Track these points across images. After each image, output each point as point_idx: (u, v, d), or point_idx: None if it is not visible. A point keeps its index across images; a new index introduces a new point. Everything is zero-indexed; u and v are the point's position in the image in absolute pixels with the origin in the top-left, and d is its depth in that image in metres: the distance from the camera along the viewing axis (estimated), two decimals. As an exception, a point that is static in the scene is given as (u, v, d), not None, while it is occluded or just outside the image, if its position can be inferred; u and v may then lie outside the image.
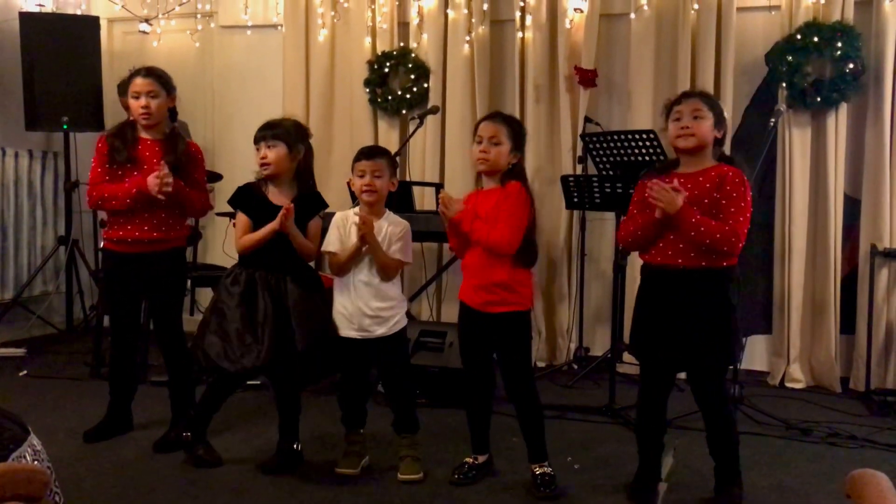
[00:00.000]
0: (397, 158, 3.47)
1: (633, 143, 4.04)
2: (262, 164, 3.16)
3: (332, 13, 5.48)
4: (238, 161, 5.11)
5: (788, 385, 4.62)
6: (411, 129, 4.85)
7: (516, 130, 3.01)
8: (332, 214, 3.27)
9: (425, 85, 5.27)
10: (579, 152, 4.87)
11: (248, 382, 4.08)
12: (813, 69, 4.52)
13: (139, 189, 3.28)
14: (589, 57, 4.96)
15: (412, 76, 5.28)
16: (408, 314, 4.90)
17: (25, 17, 5.27)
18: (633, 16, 4.89)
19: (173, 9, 5.77)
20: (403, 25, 5.42)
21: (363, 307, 3.09)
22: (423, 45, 5.32)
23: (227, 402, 3.31)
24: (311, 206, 3.22)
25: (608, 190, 4.20)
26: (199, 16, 5.79)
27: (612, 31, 5.10)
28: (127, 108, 3.43)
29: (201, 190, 3.50)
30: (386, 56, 5.35)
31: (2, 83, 5.38)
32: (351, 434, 3.24)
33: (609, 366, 4.14)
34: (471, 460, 3.15)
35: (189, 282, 4.42)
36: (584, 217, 4.96)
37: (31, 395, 4.16)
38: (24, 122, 5.26)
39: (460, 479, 3.09)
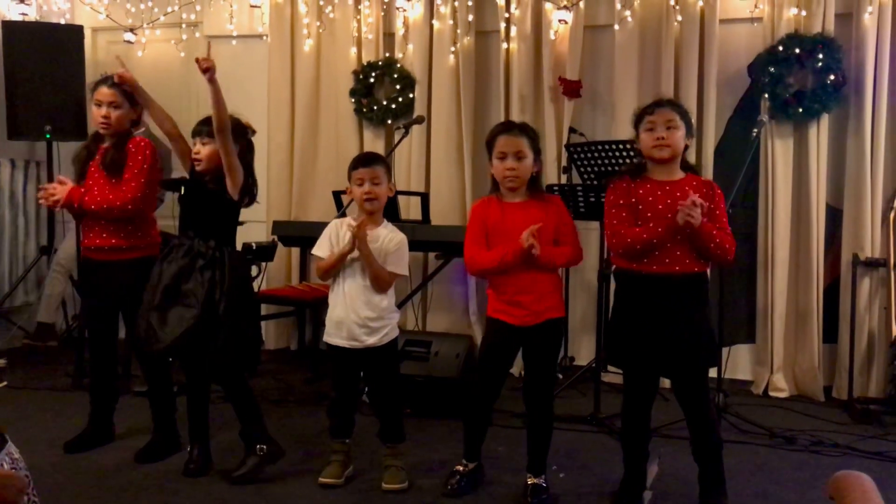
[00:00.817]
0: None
1: (618, 153, 4.05)
2: (194, 160, 3.20)
3: (318, 23, 5.48)
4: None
5: (772, 394, 4.64)
6: (396, 138, 4.85)
7: (534, 138, 3.02)
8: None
9: (411, 95, 5.28)
10: (564, 162, 4.90)
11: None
12: (795, 80, 4.56)
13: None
14: (573, 68, 4.98)
15: (397, 86, 5.29)
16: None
17: (8, 26, 5.24)
18: (616, 27, 4.93)
19: (158, 18, 5.76)
20: (389, 36, 5.43)
21: (353, 316, 3.08)
22: (409, 55, 5.33)
23: (217, 410, 3.32)
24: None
25: (592, 199, 4.21)
26: (184, 25, 5.78)
27: (596, 43, 5.13)
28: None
29: (127, 186, 3.32)
30: (371, 66, 5.35)
31: (-16, 92, 5.35)
32: (336, 443, 3.22)
33: (594, 375, 4.15)
34: (461, 468, 3.14)
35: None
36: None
37: (11, 406, 4.11)
38: (7, 131, 5.22)
39: (452, 488, 3.07)
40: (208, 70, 3.01)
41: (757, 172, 4.69)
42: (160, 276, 3.14)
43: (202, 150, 3.17)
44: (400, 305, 5.04)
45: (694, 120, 3.16)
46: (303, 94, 5.52)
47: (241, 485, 3.12)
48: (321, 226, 3.32)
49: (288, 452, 3.37)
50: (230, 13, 5.62)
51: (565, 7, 4.94)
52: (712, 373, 4.02)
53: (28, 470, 1.84)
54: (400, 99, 5.28)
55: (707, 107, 4.70)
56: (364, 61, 5.39)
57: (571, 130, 4.94)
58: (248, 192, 3.25)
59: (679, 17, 4.77)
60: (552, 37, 5.03)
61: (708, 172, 4.62)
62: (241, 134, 3.25)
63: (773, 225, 4.65)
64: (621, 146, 4.02)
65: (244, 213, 3.38)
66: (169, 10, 5.72)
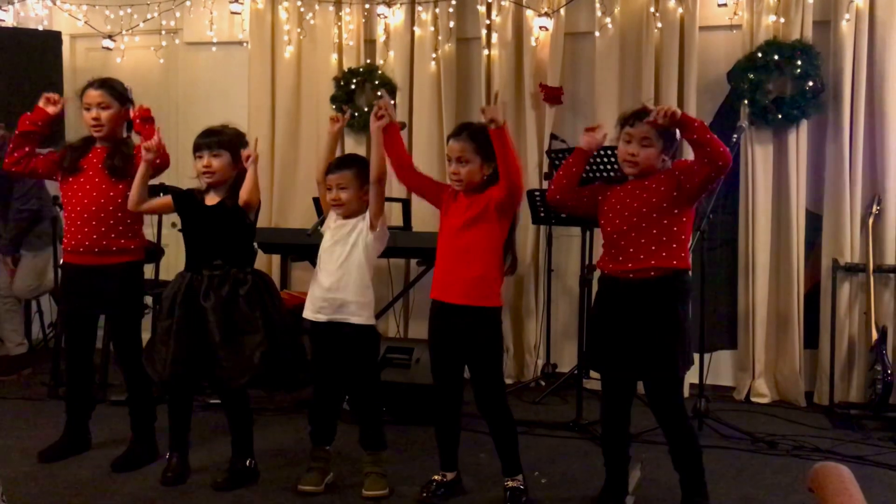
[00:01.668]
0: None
1: (599, 160, 4.04)
2: (205, 173, 3.14)
3: (298, 30, 5.47)
4: (202, 177, 5.04)
5: (754, 399, 4.65)
6: (378, 145, 4.84)
7: (482, 142, 2.95)
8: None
9: (392, 102, 5.26)
10: (545, 168, 4.90)
11: (210, 402, 4.03)
12: (774, 87, 4.59)
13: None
14: (554, 74, 4.99)
15: (378, 93, 5.27)
16: (376, 331, 4.90)
17: (-15, 32, 5.20)
18: (597, 34, 4.94)
19: (137, 25, 5.71)
20: (370, 42, 5.42)
21: (327, 285, 3.06)
22: (390, 62, 5.32)
23: (193, 420, 3.29)
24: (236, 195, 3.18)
25: (574, 205, 4.22)
26: (163, 32, 5.74)
27: (577, 49, 5.15)
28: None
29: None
30: (352, 73, 5.34)
31: (-40, 98, 5.28)
32: (316, 450, 3.18)
33: (576, 381, 4.14)
34: (439, 477, 3.11)
35: (152, 299, 4.35)
36: (550, 232, 4.98)
37: (-15, 416, 4.05)
38: (-17, 137, 5.16)
39: (428, 496, 3.04)
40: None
41: (737, 178, 4.71)
42: (206, 315, 3.06)
43: (213, 162, 3.12)
44: (381, 313, 5.03)
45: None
46: (283, 101, 5.50)
47: (221, 491, 3.08)
48: (301, 233, 3.30)
49: (268, 460, 3.35)
50: (210, 20, 5.59)
51: (546, 14, 4.96)
52: (694, 378, 4.06)
53: (-2, 478, 1.81)
54: (381, 105, 5.26)
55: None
56: (345, 68, 5.38)
57: (553, 137, 4.95)
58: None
59: (659, 25, 4.79)
60: (533, 43, 5.04)
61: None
62: (245, 145, 3.22)
63: (753, 231, 4.67)
64: (602, 152, 4.02)
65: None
66: (148, 16, 5.69)
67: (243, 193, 3.08)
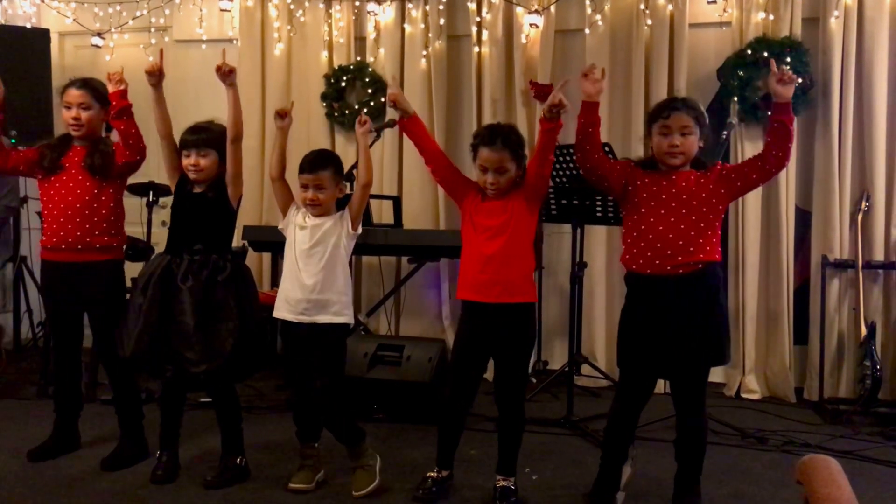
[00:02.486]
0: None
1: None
2: (193, 171, 3.14)
3: (289, 27, 5.46)
4: (192, 175, 5.02)
5: (744, 396, 4.66)
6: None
7: (515, 148, 2.96)
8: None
9: (382, 99, 5.26)
10: (536, 166, 4.90)
11: (201, 400, 4.02)
12: (763, 84, 4.60)
13: None
14: (545, 72, 5.00)
15: (369, 90, 5.27)
16: (365, 329, 4.89)
17: (-27, 29, 5.17)
18: (587, 31, 4.95)
19: (126, 22, 5.69)
20: (360, 40, 5.42)
21: (298, 286, 3.03)
22: (380, 59, 5.32)
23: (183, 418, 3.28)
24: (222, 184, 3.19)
25: (565, 202, 4.22)
26: (153, 30, 5.72)
27: (567, 47, 5.15)
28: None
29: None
30: (343, 70, 5.33)
31: (-53, 96, 5.24)
32: (305, 448, 3.17)
33: (567, 378, 4.14)
34: (434, 475, 3.10)
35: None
36: (540, 230, 4.97)
37: (-26, 416, 4.03)
38: (-30, 136, 5.14)
39: (424, 493, 3.03)
40: (231, 73, 3.09)
41: (727, 175, 4.72)
42: (182, 296, 3.04)
43: (201, 161, 3.12)
44: (372, 311, 5.03)
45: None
46: (273, 99, 5.49)
47: (212, 489, 3.07)
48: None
49: (258, 458, 3.34)
50: (199, 17, 5.58)
51: (536, 11, 4.96)
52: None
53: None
54: (371, 103, 5.26)
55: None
56: (335, 65, 5.37)
57: (543, 134, 4.94)
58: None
59: (649, 22, 4.80)
60: (523, 41, 5.04)
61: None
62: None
63: (743, 227, 4.68)
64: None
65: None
66: (137, 14, 5.67)
67: (232, 123, 3.15)
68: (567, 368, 4.28)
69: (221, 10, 5.48)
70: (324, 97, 5.37)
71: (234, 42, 5.57)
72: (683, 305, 2.76)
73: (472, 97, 5.16)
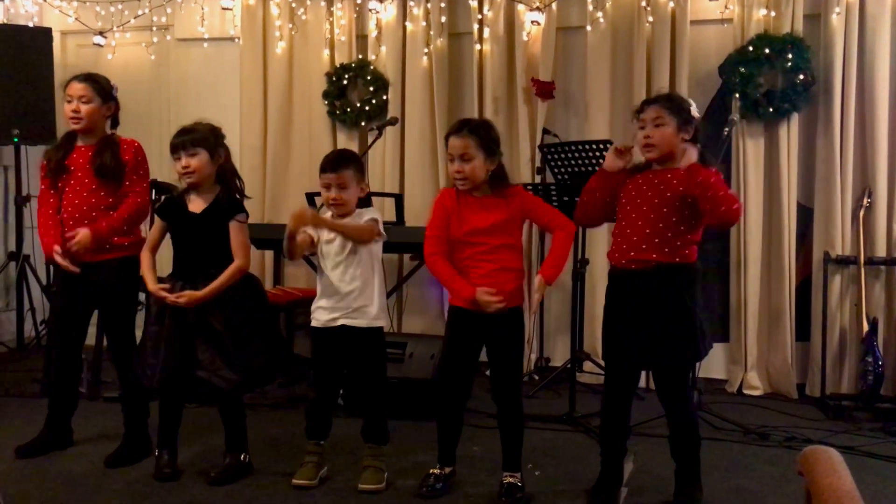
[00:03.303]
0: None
1: (591, 154, 4.06)
2: (184, 174, 3.12)
3: (290, 25, 5.46)
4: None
5: (746, 392, 4.67)
6: (370, 140, 4.85)
7: (484, 138, 2.94)
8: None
9: (384, 97, 5.27)
10: (538, 163, 4.91)
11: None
12: (765, 80, 4.60)
13: (47, 255, 3.30)
14: (546, 69, 5.00)
15: (371, 88, 5.27)
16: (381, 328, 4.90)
17: (-25, 29, 5.18)
18: (589, 29, 4.95)
19: (128, 21, 5.70)
20: (362, 38, 5.42)
21: (341, 288, 3.07)
22: (382, 57, 5.32)
23: (186, 416, 3.29)
24: (227, 211, 3.17)
25: (566, 199, 4.22)
26: (154, 28, 5.72)
27: (569, 44, 5.15)
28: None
29: (135, 194, 3.36)
30: (344, 68, 5.34)
31: (-50, 95, 5.26)
32: (311, 444, 3.18)
33: (569, 375, 4.15)
34: (437, 471, 3.11)
35: (145, 296, 4.33)
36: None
37: (-23, 413, 4.04)
38: (-26, 135, 5.15)
39: (427, 490, 3.04)
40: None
41: (729, 172, 4.73)
42: (206, 325, 3.07)
43: (192, 162, 3.09)
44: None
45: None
46: (275, 97, 5.49)
47: (216, 486, 3.08)
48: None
49: (261, 454, 3.35)
50: (201, 16, 5.58)
51: (538, 8, 4.96)
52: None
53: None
54: (373, 101, 5.26)
55: (691, 104, 4.72)
56: (337, 63, 5.38)
57: (545, 131, 4.95)
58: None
59: (650, 19, 4.80)
60: (525, 38, 5.04)
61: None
62: (221, 139, 3.21)
63: (745, 224, 4.68)
64: (594, 146, 4.04)
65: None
66: (139, 13, 5.67)
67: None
68: (569, 365, 4.29)
69: (223, 9, 5.49)
70: (325, 95, 5.37)
71: (236, 41, 5.58)
72: (640, 301, 2.82)
73: (474, 95, 5.16)
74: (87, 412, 3.59)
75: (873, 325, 4.32)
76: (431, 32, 5.20)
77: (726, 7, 4.73)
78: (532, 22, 4.99)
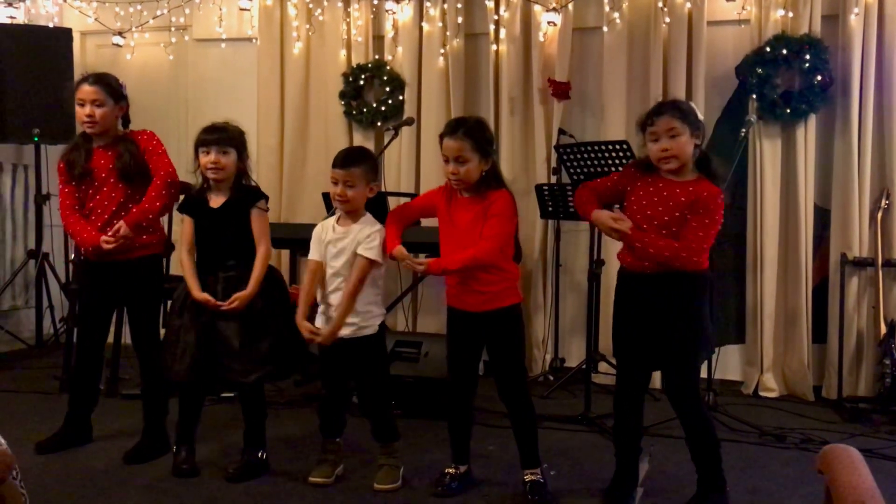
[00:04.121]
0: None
1: (607, 154, 4.06)
2: (213, 169, 3.15)
3: (307, 26, 5.49)
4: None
5: (762, 394, 4.65)
6: (386, 140, 4.86)
7: (478, 139, 2.93)
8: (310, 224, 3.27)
9: (400, 97, 5.29)
10: (553, 163, 4.91)
11: (223, 395, 4.06)
12: (782, 81, 4.59)
13: (93, 245, 3.29)
14: (562, 69, 5.00)
15: (387, 88, 5.29)
16: (383, 325, 4.91)
17: (-4, 29, 5.23)
18: (605, 29, 4.95)
19: (147, 22, 5.75)
20: (378, 38, 5.44)
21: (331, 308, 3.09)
22: (398, 57, 5.34)
23: (205, 413, 3.32)
24: (248, 199, 3.21)
25: (582, 199, 4.22)
26: (173, 29, 5.77)
27: (585, 45, 5.15)
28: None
29: (161, 167, 3.36)
30: (361, 68, 5.36)
31: (-29, 95, 5.31)
32: (327, 442, 3.20)
33: (585, 375, 4.15)
34: (452, 470, 3.12)
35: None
36: (558, 227, 4.99)
37: (-2, 409, 4.08)
38: (-6, 134, 5.20)
39: (443, 490, 3.05)
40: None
41: (745, 173, 4.72)
42: (222, 316, 3.10)
43: (222, 159, 3.14)
44: (390, 307, 5.04)
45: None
46: (292, 97, 5.53)
47: (233, 482, 3.11)
48: (311, 228, 3.31)
49: (278, 452, 3.37)
50: (219, 16, 5.62)
51: (554, 9, 4.96)
52: (702, 373, 4.05)
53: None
54: (389, 101, 5.28)
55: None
56: (353, 64, 5.40)
57: (561, 132, 4.95)
58: None
59: (667, 19, 4.79)
60: (541, 39, 5.04)
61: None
62: (247, 146, 3.27)
63: (761, 225, 4.67)
64: (610, 147, 4.04)
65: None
66: (158, 13, 5.72)
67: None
68: (584, 366, 4.29)
69: (241, 10, 5.53)
70: (342, 95, 5.40)
71: (254, 41, 5.61)
72: (649, 303, 2.82)
73: (490, 95, 5.17)
74: (106, 409, 3.62)
75: (891, 327, 4.30)
76: (448, 33, 5.22)
77: (743, 8, 4.72)
78: (548, 22, 4.99)
